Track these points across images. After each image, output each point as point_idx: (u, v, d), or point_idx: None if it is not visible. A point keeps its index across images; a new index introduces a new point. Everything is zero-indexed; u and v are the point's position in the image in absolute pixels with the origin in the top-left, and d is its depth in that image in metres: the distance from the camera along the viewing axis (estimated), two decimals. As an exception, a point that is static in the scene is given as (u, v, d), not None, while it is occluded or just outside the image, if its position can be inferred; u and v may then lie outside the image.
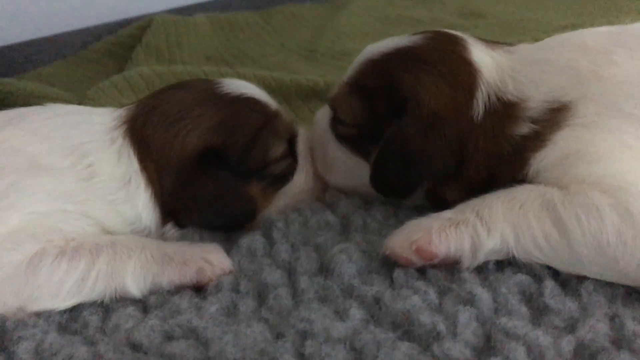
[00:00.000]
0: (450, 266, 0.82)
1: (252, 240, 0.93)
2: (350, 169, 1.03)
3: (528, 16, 2.09)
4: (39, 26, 1.93)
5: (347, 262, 0.84)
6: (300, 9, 2.37)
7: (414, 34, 1.00)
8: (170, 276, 0.84)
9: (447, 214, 0.83)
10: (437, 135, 0.89)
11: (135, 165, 0.93)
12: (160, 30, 1.92)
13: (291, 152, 1.05)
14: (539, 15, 2.08)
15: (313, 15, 2.36)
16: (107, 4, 2.08)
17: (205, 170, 0.94)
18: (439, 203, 0.93)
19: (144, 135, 0.94)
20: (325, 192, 1.08)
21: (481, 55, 0.93)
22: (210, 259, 0.87)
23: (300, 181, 1.06)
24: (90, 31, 2.02)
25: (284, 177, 1.03)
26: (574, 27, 1.74)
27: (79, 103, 1.46)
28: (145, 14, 2.10)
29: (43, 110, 0.96)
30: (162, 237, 0.94)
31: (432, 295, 0.76)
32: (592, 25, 1.75)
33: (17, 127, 0.91)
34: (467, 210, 0.82)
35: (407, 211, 0.98)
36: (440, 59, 0.93)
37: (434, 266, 0.82)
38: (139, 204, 0.92)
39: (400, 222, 0.92)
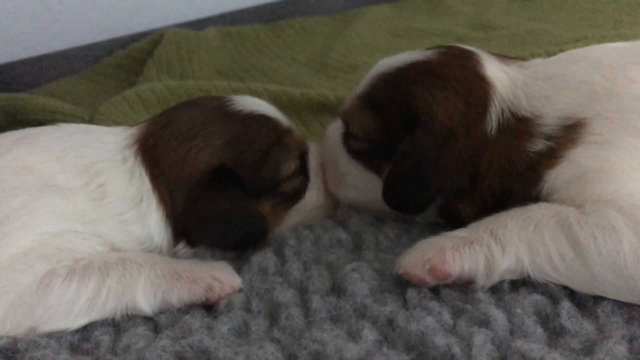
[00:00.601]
0: (464, 286, 0.81)
1: (264, 258, 0.93)
2: (362, 184, 1.02)
3: (539, 28, 2.08)
4: (51, 41, 1.94)
5: (360, 281, 0.83)
6: (310, 22, 2.38)
7: (428, 48, 1.00)
8: (180, 293, 0.84)
9: (460, 232, 0.82)
10: (451, 150, 0.88)
11: (147, 184, 0.93)
12: (171, 44, 1.93)
13: (302, 168, 1.05)
14: (551, 27, 2.07)
15: (323, 29, 2.36)
16: (119, 18, 2.09)
17: (217, 189, 0.93)
18: (452, 219, 0.92)
19: (155, 154, 0.94)
20: (336, 209, 1.07)
21: (494, 70, 0.93)
22: (219, 276, 0.86)
23: (312, 198, 1.05)
24: (102, 45, 2.04)
25: (296, 195, 1.03)
26: (586, 39, 1.75)
27: (91, 118, 1.47)
28: (156, 28, 2.11)
29: (55, 130, 0.97)
30: (174, 256, 0.93)
31: (446, 316, 0.75)
32: (603, 37, 1.75)
33: (29, 146, 0.91)
34: (480, 229, 0.81)
35: (419, 229, 0.97)
36: (453, 74, 0.92)
37: (447, 286, 0.81)
38: (150, 223, 0.92)
39: (413, 240, 0.92)
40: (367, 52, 2.07)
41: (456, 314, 0.76)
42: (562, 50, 1.63)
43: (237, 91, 1.58)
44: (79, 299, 0.79)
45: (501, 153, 0.88)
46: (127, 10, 2.11)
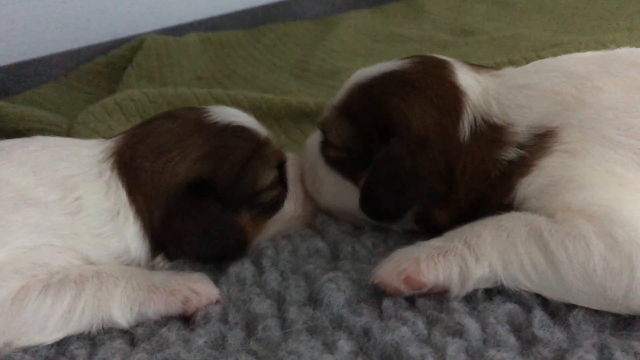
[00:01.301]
0: (439, 295, 0.81)
1: (241, 268, 0.93)
2: (340, 193, 1.03)
3: (518, 33, 2.10)
4: (30, 47, 1.93)
5: (336, 292, 0.84)
6: (291, 27, 2.38)
7: (403, 58, 1.01)
8: (157, 306, 0.84)
9: (435, 242, 0.83)
10: (426, 158, 0.89)
11: (123, 197, 0.93)
12: (151, 50, 1.92)
13: (281, 179, 1.05)
14: (528, 33, 2.09)
15: (304, 34, 2.36)
16: (98, 25, 2.08)
17: (195, 201, 0.93)
18: (428, 227, 0.94)
19: (132, 167, 0.94)
20: (315, 218, 1.08)
21: (467, 79, 0.94)
22: (196, 288, 0.86)
23: (291, 209, 1.06)
24: (81, 52, 2.03)
25: (275, 205, 1.03)
26: (563, 45, 1.77)
27: (69, 127, 1.47)
28: (136, 34, 2.10)
29: (30, 143, 0.96)
30: (152, 269, 0.93)
31: (421, 326, 0.76)
32: (580, 42, 1.77)
33: (4, 160, 0.90)
34: (455, 239, 0.82)
35: (396, 237, 0.98)
36: (427, 83, 0.93)
37: (422, 295, 0.82)
38: (127, 236, 0.92)
39: (389, 249, 0.93)
40: (347, 58, 2.08)
41: (431, 323, 0.77)
42: (539, 57, 1.65)
43: (217, 99, 1.58)
44: (54, 314, 0.79)
45: (475, 160, 0.89)
46: (107, 16, 2.10)
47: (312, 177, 1.06)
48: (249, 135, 1.01)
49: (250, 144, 1.00)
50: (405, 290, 0.81)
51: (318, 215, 1.07)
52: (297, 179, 1.08)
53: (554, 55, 1.67)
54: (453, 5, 2.56)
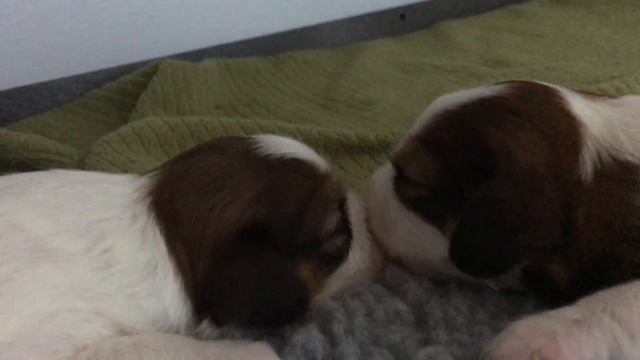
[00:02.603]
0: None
1: (308, 337, 0.75)
2: (417, 238, 0.86)
3: (558, 65, 1.97)
4: (32, 71, 1.76)
5: (442, 374, 0.66)
6: (312, 55, 2.23)
7: (495, 84, 0.85)
8: None
9: (569, 312, 0.66)
10: (538, 199, 0.73)
11: (162, 248, 0.75)
12: (167, 76, 1.76)
13: (344, 223, 0.88)
14: (569, 65, 1.95)
15: (326, 62, 2.21)
16: (108, 48, 1.91)
17: (247, 251, 0.76)
18: (538, 285, 0.77)
19: (172, 211, 0.77)
20: (384, 270, 0.90)
21: (582, 108, 0.79)
22: None
23: (357, 259, 0.88)
24: (88, 77, 1.85)
25: (339, 256, 0.86)
26: (622, 77, 1.62)
27: (81, 158, 1.29)
28: (149, 59, 1.93)
29: (49, 178, 0.78)
30: (196, 338, 0.75)
31: None
32: (632, 75, 1.63)
33: (16, 199, 0.72)
34: (597, 309, 0.64)
35: (495, 300, 0.81)
36: (534, 111, 0.78)
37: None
38: (166, 297, 0.74)
39: (492, 317, 0.76)
40: (377, 88, 1.92)
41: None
42: (599, 89, 1.51)
43: (246, 129, 1.41)
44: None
45: (603, 206, 0.73)
46: (117, 40, 1.93)
47: (381, 217, 0.89)
48: (307, 170, 0.84)
49: (309, 180, 0.83)
50: (537, 376, 0.63)
51: (388, 267, 0.90)
52: (360, 223, 0.91)
53: (617, 88, 1.54)
54: (480, 35, 2.43)
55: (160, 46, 1.98)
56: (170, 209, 0.77)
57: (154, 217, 0.76)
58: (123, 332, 0.70)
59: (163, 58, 1.91)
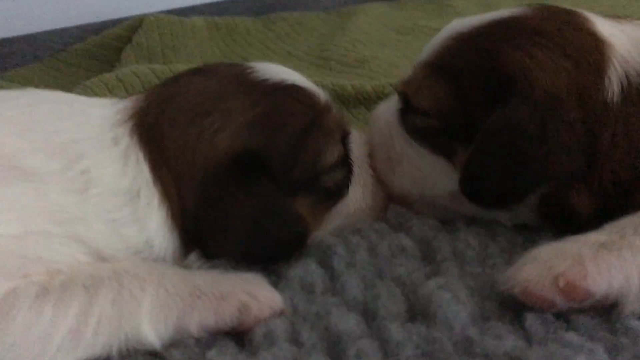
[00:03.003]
0: (600, 311, 0.58)
1: (306, 271, 0.69)
2: (424, 172, 0.80)
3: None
4: (12, 24, 1.68)
5: (455, 303, 0.60)
6: (305, 16, 2.15)
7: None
8: (202, 316, 0.60)
9: (596, 236, 0.60)
10: (559, 123, 0.67)
11: (146, 173, 0.69)
12: (153, 30, 1.68)
13: (345, 157, 0.81)
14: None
15: (319, 24, 2.13)
16: (91, 3, 1.83)
17: (241, 181, 0.69)
18: (557, 217, 0.72)
19: (157, 135, 0.70)
20: (386, 211, 0.84)
21: (607, 27, 0.73)
22: (255, 292, 0.63)
23: (357, 196, 0.82)
24: (71, 32, 1.77)
25: (339, 191, 0.79)
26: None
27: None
28: (132, 15, 1.85)
29: (22, 95, 0.72)
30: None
31: (603, 355, 0.52)
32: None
33: (-15, 115, 0.65)
34: (627, 232, 0.59)
35: (508, 235, 0.74)
36: (555, 30, 0.72)
37: (577, 311, 0.58)
38: (150, 225, 0.68)
39: (504, 250, 0.70)
40: (372, 48, 1.85)
41: (613, 351, 0.53)
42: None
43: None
44: (56, 331, 0.54)
45: (630, 128, 0.68)
46: (101, -5, 1.85)
47: (385, 153, 0.83)
48: (307, 98, 0.77)
49: (309, 109, 0.76)
50: (561, 302, 0.57)
51: (390, 207, 0.83)
52: (362, 159, 0.85)
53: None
54: (478, 0, 2.36)
55: (146, 2, 1.90)
56: (155, 132, 0.70)
57: (136, 140, 0.70)
58: (103, 259, 0.64)
59: (148, 15, 1.83)
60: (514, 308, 0.59)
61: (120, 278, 0.59)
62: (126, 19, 1.82)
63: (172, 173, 0.69)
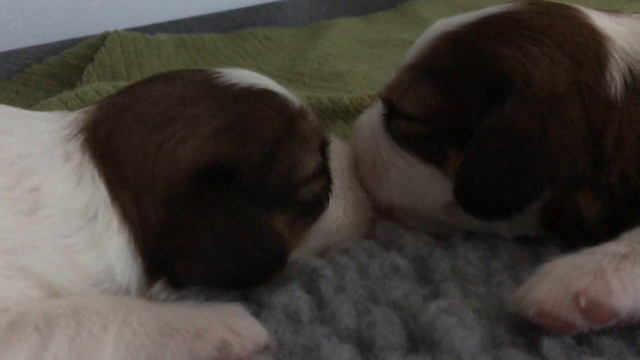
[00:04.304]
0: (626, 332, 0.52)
1: (291, 298, 0.61)
2: (414, 181, 0.74)
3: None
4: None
5: (461, 329, 0.52)
6: (274, 32, 2.10)
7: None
8: (176, 358, 0.52)
9: (614, 247, 0.54)
10: (560, 122, 0.62)
11: (103, 193, 0.61)
12: (116, 47, 1.60)
13: (324, 168, 0.74)
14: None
15: (289, 40, 2.09)
16: (50, 22, 1.74)
17: (209, 197, 0.62)
18: (562, 226, 0.65)
19: (112, 149, 0.63)
20: (371, 226, 0.77)
21: (604, 20, 0.68)
22: (235, 326, 0.55)
23: (338, 212, 0.74)
24: (29, 52, 1.68)
25: (319, 204, 0.72)
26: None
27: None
28: (94, 34, 1.76)
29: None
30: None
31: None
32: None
33: None
34: (647, 240, 0.53)
35: (510, 250, 0.68)
36: (550, 25, 0.67)
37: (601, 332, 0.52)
38: (110, 251, 0.60)
39: (508, 265, 0.63)
40: (346, 61, 1.80)
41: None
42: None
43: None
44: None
45: (637, 124, 0.62)
46: (60, 13, 1.76)
47: (371, 163, 0.76)
48: (279, 103, 0.70)
49: (282, 115, 0.69)
50: (581, 323, 0.50)
51: (379, 223, 0.76)
52: (344, 171, 0.78)
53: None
54: (449, 13, 2.33)
55: (109, 19, 1.82)
56: (110, 146, 0.63)
57: (90, 156, 0.62)
58: (55, 294, 0.55)
59: (111, 31, 1.75)
60: (528, 332, 0.53)
61: (78, 316, 0.51)
62: (85, 38, 1.74)
63: (132, 190, 0.61)
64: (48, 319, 0.50)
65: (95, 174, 0.61)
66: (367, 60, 1.84)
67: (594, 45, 0.65)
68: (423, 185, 0.72)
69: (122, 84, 1.28)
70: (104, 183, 0.61)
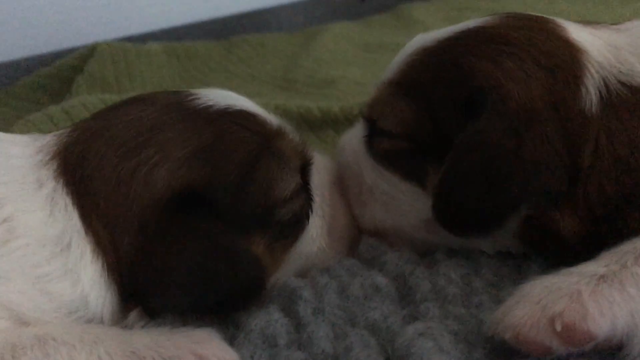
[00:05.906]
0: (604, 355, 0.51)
1: (268, 321, 0.61)
2: (395, 200, 0.73)
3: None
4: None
5: (438, 353, 0.52)
6: (267, 38, 2.09)
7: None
8: None
9: (593, 267, 0.53)
10: (536, 137, 0.61)
11: (76, 221, 0.61)
12: (106, 58, 1.59)
13: (306, 188, 0.73)
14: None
15: (283, 45, 2.07)
16: (40, 33, 1.74)
17: (184, 222, 0.61)
18: (541, 242, 0.65)
19: (84, 176, 0.62)
20: (356, 246, 0.76)
21: (581, 33, 0.68)
22: (204, 353, 0.54)
23: (319, 233, 0.73)
24: (18, 64, 1.67)
25: (298, 225, 0.71)
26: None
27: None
28: (86, 44, 1.76)
29: None
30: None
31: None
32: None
33: None
34: (629, 260, 0.52)
35: (494, 267, 0.67)
36: (525, 38, 0.67)
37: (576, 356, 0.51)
38: (84, 280, 0.59)
39: (490, 283, 0.62)
40: (339, 67, 1.79)
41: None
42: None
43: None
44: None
45: (614, 139, 0.62)
46: (51, 24, 1.75)
47: (356, 185, 0.76)
48: (254, 124, 0.69)
49: (258, 136, 0.68)
50: (558, 347, 0.49)
51: (363, 240, 0.75)
52: (329, 190, 0.77)
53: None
54: (444, 16, 2.32)
55: (98, 30, 1.81)
56: (81, 173, 0.62)
57: (63, 183, 0.61)
58: (25, 324, 0.54)
59: (101, 42, 1.74)
60: (506, 355, 0.52)
61: (44, 346, 0.51)
62: (77, 48, 1.73)
63: (105, 219, 0.61)
64: (14, 350, 0.50)
65: (69, 202, 0.61)
66: (360, 65, 1.83)
67: (569, 59, 0.65)
68: (405, 203, 0.72)
69: (110, 96, 1.27)
70: (77, 211, 0.60)
